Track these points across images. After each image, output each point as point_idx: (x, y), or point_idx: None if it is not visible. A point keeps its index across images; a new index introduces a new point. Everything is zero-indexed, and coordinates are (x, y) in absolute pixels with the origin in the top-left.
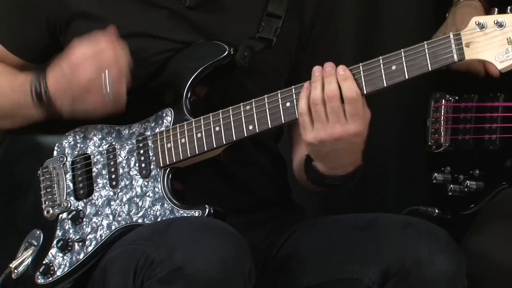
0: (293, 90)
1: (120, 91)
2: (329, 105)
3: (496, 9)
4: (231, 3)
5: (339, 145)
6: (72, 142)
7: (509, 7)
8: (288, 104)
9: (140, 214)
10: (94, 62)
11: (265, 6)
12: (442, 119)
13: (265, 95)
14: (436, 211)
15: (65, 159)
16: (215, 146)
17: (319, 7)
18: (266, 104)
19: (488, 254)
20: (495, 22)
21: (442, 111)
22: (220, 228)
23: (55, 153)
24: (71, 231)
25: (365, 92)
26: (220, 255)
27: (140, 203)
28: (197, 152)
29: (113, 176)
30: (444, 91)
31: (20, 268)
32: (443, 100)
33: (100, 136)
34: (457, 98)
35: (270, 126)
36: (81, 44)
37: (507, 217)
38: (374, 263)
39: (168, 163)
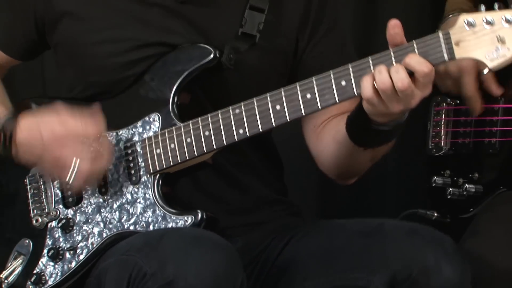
0: (283, 92)
1: (81, 184)
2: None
3: (483, 6)
4: None
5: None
6: None
7: (496, 4)
8: (278, 107)
9: (132, 221)
10: (73, 147)
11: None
12: (442, 123)
13: (254, 98)
14: (435, 214)
15: None
16: (205, 151)
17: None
18: (256, 107)
19: (484, 255)
20: (484, 20)
21: (443, 115)
22: (212, 241)
23: None
24: (61, 239)
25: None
26: (212, 269)
27: (131, 210)
28: (187, 158)
29: (102, 183)
30: (445, 95)
31: (11, 278)
32: (444, 104)
33: None
34: (458, 102)
35: (260, 130)
36: (69, 118)
37: (503, 220)
38: (380, 270)
39: (158, 169)
